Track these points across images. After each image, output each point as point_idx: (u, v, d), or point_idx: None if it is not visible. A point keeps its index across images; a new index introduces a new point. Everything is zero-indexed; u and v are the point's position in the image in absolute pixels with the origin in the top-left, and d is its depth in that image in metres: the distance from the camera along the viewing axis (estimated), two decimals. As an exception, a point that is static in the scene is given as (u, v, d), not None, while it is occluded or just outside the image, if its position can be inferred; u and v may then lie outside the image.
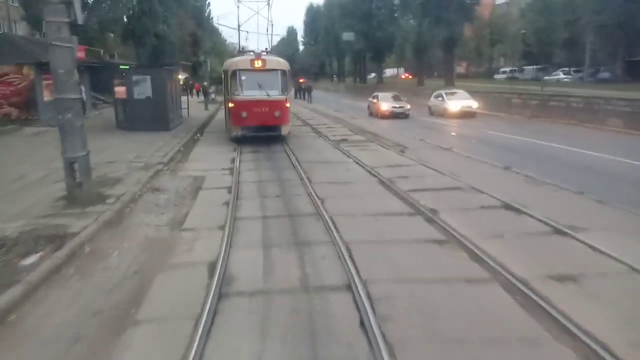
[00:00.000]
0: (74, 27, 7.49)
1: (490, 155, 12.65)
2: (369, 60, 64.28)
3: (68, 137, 7.55)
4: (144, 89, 17.34)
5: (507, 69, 58.19)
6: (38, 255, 5.59)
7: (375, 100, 26.25)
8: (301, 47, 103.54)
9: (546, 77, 49.97)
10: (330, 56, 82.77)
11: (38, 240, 6.05)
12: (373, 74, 72.70)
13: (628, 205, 7.63)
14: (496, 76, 58.51)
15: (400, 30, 44.22)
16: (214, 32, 64.13)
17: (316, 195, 8.61)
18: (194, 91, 41.52)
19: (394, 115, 24.39)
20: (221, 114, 28.05)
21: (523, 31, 51.81)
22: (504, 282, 4.94)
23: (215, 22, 65.96)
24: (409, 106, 24.99)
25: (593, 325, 4.01)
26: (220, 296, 4.68)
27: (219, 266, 5.36)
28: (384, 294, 4.67)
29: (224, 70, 17.48)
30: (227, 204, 8.15)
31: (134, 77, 17.32)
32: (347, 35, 43.51)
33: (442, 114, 24.22)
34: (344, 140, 16.24)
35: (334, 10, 60.16)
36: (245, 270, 5.37)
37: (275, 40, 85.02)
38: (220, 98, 32.15)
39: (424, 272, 5.31)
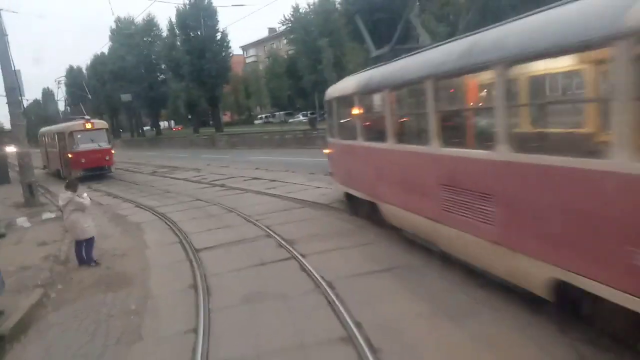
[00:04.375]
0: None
1: (249, 166, 22.82)
2: (144, 116, 71.08)
3: (25, 171, 14.39)
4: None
5: (263, 115, 72.97)
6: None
7: None
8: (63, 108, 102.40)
9: (290, 120, 65.82)
10: (101, 114, 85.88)
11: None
12: (147, 127, 79.61)
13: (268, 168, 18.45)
14: (256, 121, 72.64)
15: (171, 90, 53.40)
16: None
17: (161, 188, 17.05)
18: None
19: None
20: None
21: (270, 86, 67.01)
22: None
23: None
24: None
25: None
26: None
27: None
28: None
29: (58, 133, 23.67)
30: (114, 198, 15.98)
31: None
32: (125, 97, 50.41)
33: None
34: (155, 171, 24.45)
35: (104, 75, 65.42)
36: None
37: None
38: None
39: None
